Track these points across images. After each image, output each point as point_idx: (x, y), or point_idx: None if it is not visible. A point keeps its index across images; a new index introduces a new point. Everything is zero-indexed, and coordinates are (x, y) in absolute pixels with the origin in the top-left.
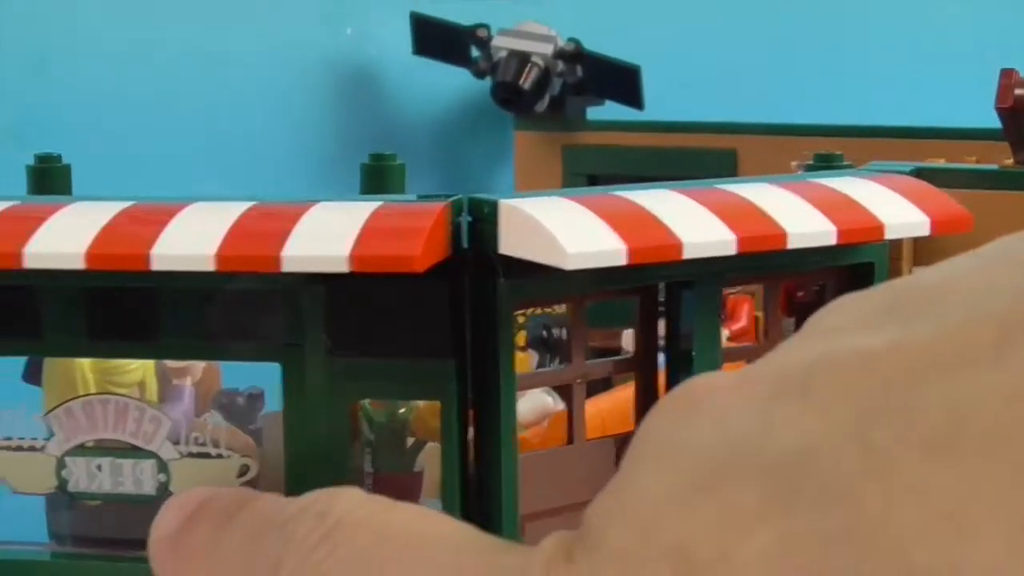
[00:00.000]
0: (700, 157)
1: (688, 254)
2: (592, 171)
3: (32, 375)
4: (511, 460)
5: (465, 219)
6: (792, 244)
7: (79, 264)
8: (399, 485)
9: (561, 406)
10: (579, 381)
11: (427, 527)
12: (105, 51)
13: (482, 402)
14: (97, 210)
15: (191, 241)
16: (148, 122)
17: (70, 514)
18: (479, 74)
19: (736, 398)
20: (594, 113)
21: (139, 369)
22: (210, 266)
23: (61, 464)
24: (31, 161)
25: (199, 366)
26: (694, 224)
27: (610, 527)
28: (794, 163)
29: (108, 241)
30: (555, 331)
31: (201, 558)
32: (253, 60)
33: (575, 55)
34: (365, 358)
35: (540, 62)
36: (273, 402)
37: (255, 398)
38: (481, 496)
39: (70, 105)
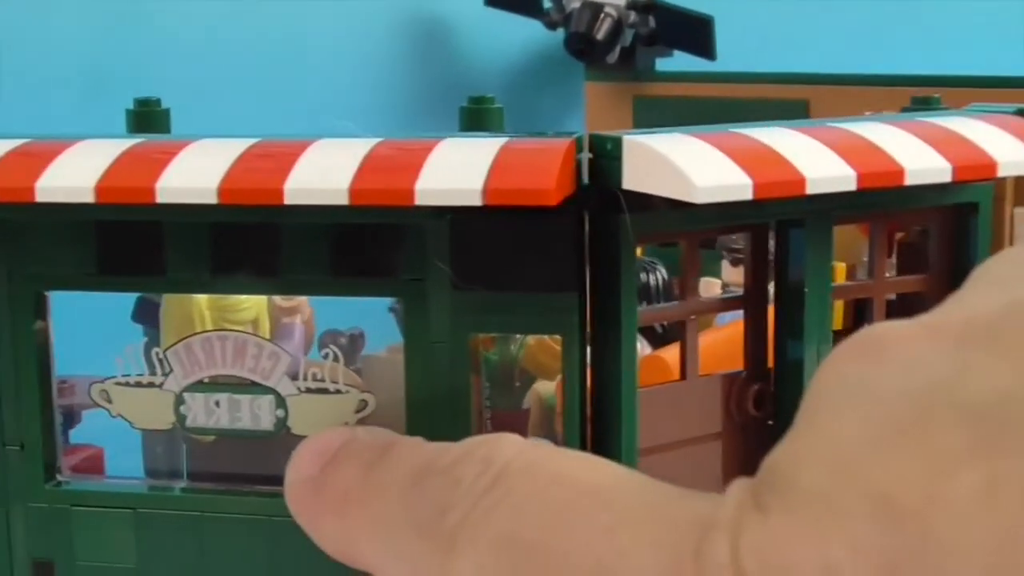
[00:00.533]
0: (771, 108)
1: (812, 189)
2: (662, 122)
3: (141, 314)
4: (632, 395)
5: (585, 155)
6: (909, 181)
7: (212, 198)
8: (510, 422)
9: (648, 350)
10: (692, 317)
11: (600, 473)
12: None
13: (602, 337)
14: (226, 147)
15: (324, 175)
16: (235, 76)
17: (171, 449)
18: (551, 25)
19: (925, 346)
20: (663, 64)
21: (253, 307)
22: (344, 200)
23: (179, 400)
24: (115, 108)
25: (307, 306)
26: (815, 160)
27: (803, 471)
28: (868, 113)
29: (241, 176)
30: (640, 275)
31: (352, 501)
32: (335, 15)
33: (648, 6)
34: (488, 292)
35: (613, 13)
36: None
37: (356, 338)
38: (600, 431)
39: (158, 54)
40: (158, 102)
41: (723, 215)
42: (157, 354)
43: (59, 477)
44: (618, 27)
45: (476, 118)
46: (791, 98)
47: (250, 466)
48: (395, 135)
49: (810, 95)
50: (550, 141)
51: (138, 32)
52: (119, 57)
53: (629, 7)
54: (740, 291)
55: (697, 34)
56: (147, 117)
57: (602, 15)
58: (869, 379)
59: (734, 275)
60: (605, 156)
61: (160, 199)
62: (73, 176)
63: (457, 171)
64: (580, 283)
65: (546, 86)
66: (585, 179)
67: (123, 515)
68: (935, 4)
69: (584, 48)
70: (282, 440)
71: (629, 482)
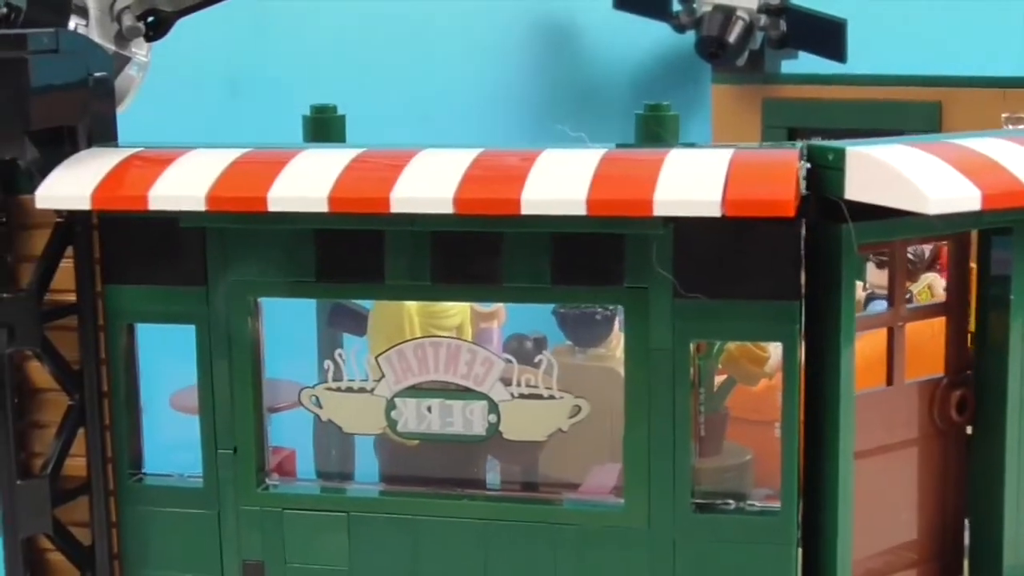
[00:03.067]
0: (903, 109)
1: None
2: (792, 124)
3: (336, 320)
4: (850, 401)
5: (803, 166)
6: None
7: (447, 208)
8: (714, 425)
9: None
10: (900, 324)
11: None
12: (322, 14)
13: (819, 343)
14: (455, 158)
15: (560, 185)
16: (366, 81)
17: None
18: (680, 28)
19: None
20: (788, 66)
21: (459, 314)
22: (581, 210)
23: (391, 405)
24: (252, 112)
25: (504, 311)
26: None
27: None
28: (1004, 115)
29: (475, 185)
30: None
31: None
32: (465, 16)
33: (780, 9)
34: (710, 299)
35: (745, 16)
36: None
37: (540, 342)
38: (814, 436)
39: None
40: (334, 108)
41: (937, 224)
42: (368, 360)
43: (268, 481)
44: (750, 30)
45: (654, 124)
46: (923, 100)
47: (452, 470)
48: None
49: (942, 97)
50: (779, 152)
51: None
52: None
53: (761, 10)
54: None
55: (828, 37)
56: (324, 123)
57: (734, 18)
58: None
59: (879, 277)
60: (826, 166)
61: (395, 209)
62: (306, 186)
63: (693, 182)
64: (799, 291)
65: (672, 88)
66: (803, 189)
67: (335, 518)
68: None
69: (716, 51)
70: (490, 445)
71: None
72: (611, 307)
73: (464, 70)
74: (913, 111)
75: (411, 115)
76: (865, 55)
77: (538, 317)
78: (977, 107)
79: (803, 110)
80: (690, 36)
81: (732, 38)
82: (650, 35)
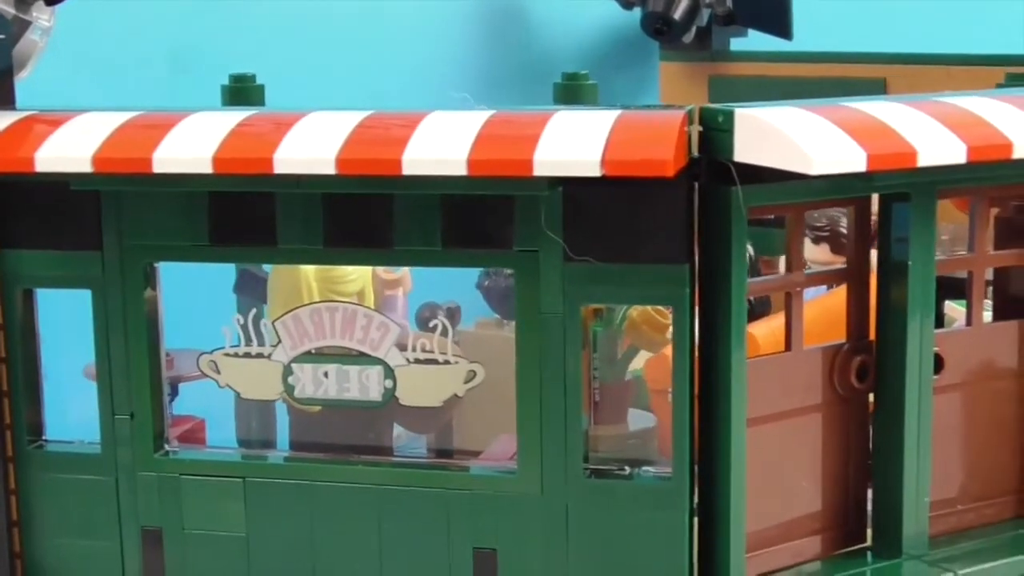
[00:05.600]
0: (849, 87)
1: (923, 161)
2: (738, 101)
3: (242, 286)
4: (741, 366)
5: (695, 128)
6: (1018, 155)
7: (330, 169)
8: (615, 394)
9: None
10: (798, 289)
11: None
12: None
13: (712, 308)
14: (341, 119)
15: (442, 145)
16: (313, 53)
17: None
18: (627, 5)
19: None
20: (737, 44)
21: (359, 279)
22: (462, 170)
23: (288, 371)
24: (201, 86)
25: (410, 278)
26: (925, 133)
27: None
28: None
29: (358, 145)
30: None
31: None
32: None
33: None
34: (600, 263)
35: None
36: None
37: (454, 312)
38: (708, 402)
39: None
40: (253, 78)
41: (830, 188)
42: (265, 325)
43: (167, 447)
44: (695, 7)
45: (571, 94)
46: (868, 77)
47: (356, 437)
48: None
49: (888, 74)
50: (663, 113)
51: (222, 9)
52: (203, 35)
53: None
54: (820, 268)
55: (774, 13)
56: (242, 92)
57: None
58: None
59: (816, 253)
60: (716, 128)
61: (278, 170)
62: (191, 147)
63: (574, 142)
64: (691, 255)
65: (620, 66)
66: (695, 151)
67: (233, 484)
68: None
69: (661, 28)
70: (395, 412)
71: None
72: None
73: (411, 45)
74: (859, 88)
75: (356, 90)
76: (811, 32)
77: (462, 289)
78: (922, 84)
79: (749, 88)
80: (638, 13)
81: (677, 15)
82: (597, 12)
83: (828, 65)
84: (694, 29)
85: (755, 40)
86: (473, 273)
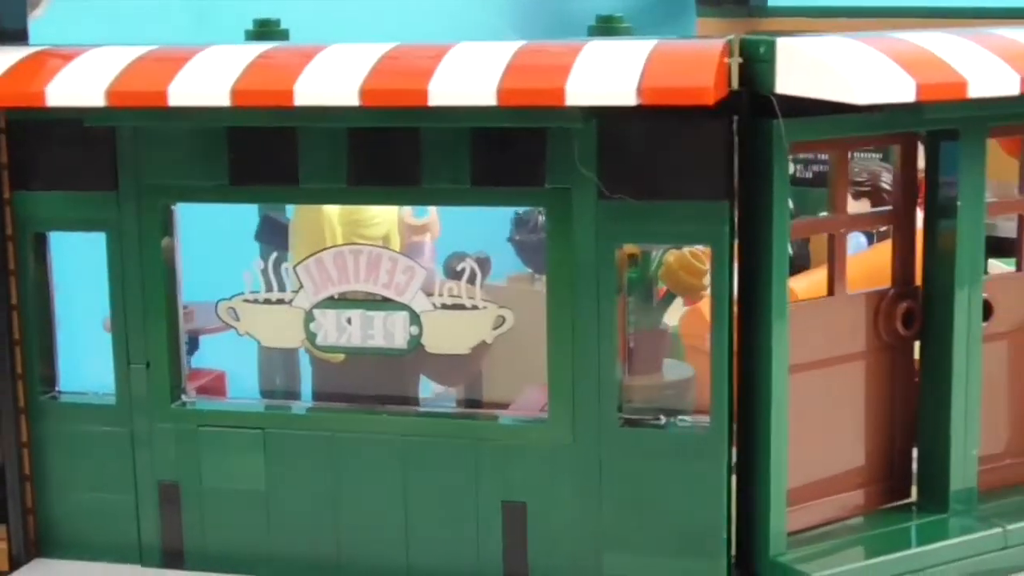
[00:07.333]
0: None
1: (974, 92)
2: None
3: (266, 233)
4: (782, 308)
5: (735, 60)
6: None
7: (354, 100)
8: (651, 343)
9: None
10: (843, 231)
11: None
12: None
13: (752, 248)
14: (364, 51)
15: (471, 75)
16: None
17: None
18: None
19: None
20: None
21: (385, 222)
22: (492, 100)
23: (309, 317)
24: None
25: (438, 224)
26: (977, 63)
27: None
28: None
29: (383, 76)
30: None
31: None
32: None
33: None
34: (636, 201)
35: None
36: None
37: (483, 263)
38: (748, 346)
39: None
40: (277, 23)
41: (875, 123)
42: (286, 270)
43: (184, 397)
44: None
45: (605, 35)
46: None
47: (381, 388)
48: None
49: (934, 27)
50: (703, 43)
51: None
52: None
53: None
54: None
55: None
56: (266, 38)
57: None
58: None
59: (856, 208)
60: (757, 60)
61: (299, 102)
62: (209, 80)
63: (609, 71)
64: (730, 192)
65: (656, 22)
66: (735, 84)
67: (252, 435)
68: None
69: None
70: (422, 362)
71: None
72: None
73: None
74: None
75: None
76: None
77: (493, 244)
78: None
79: None
80: None
81: None
82: None
83: (870, 20)
84: None
85: None
86: (504, 227)
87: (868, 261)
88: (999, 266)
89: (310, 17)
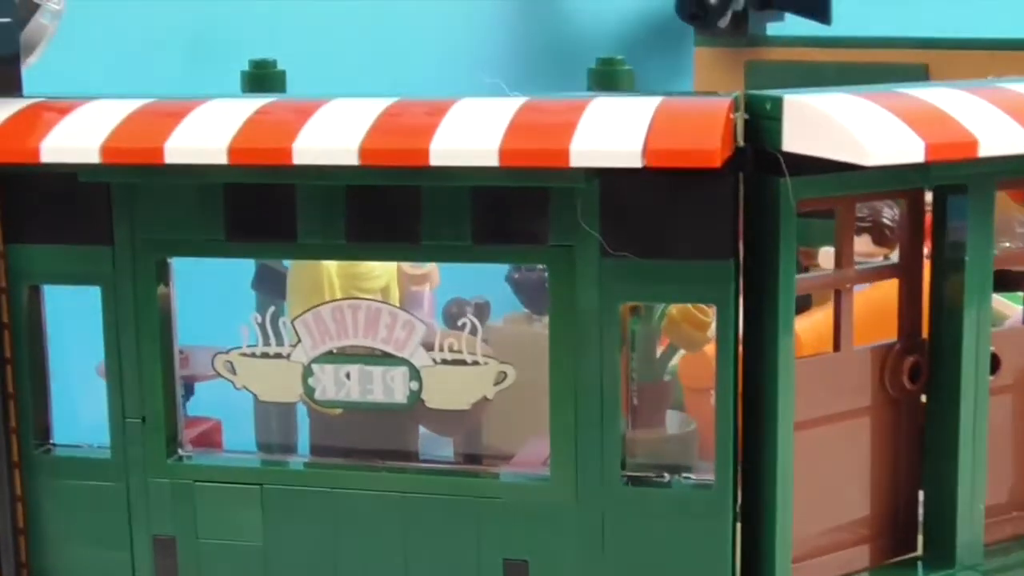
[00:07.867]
0: (889, 72)
1: (985, 151)
2: (776, 87)
3: (261, 282)
4: (789, 366)
5: (740, 116)
6: None
7: (353, 159)
8: (654, 395)
9: None
10: (848, 286)
11: None
12: None
13: (756, 306)
14: (365, 106)
15: (472, 134)
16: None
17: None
18: None
19: None
20: (774, 29)
21: (384, 275)
22: (493, 160)
23: (308, 372)
24: (220, 72)
25: (437, 273)
26: (985, 120)
27: None
28: (991, 77)
29: (383, 135)
30: None
31: None
32: None
33: None
34: (640, 259)
35: None
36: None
37: (482, 308)
38: (752, 404)
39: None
40: (274, 63)
41: (883, 179)
42: (284, 323)
43: (181, 452)
44: None
45: (606, 80)
46: (909, 63)
47: (380, 441)
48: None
49: (930, 59)
50: (708, 100)
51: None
52: (222, 20)
53: None
54: (867, 263)
55: None
56: (263, 79)
57: None
58: None
59: (857, 244)
60: (763, 116)
61: (298, 160)
62: (205, 136)
63: (614, 131)
64: (736, 250)
65: (654, 51)
66: (740, 140)
67: (250, 491)
68: None
69: (697, 12)
70: (421, 415)
71: None
72: None
73: (439, 31)
74: (899, 74)
75: (382, 77)
76: (850, 17)
77: (490, 282)
78: (965, 69)
79: (786, 73)
80: None
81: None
82: None
83: (868, 50)
84: (730, 13)
85: (792, 24)
86: (502, 265)
87: (870, 297)
88: (1003, 302)
89: (306, 57)
